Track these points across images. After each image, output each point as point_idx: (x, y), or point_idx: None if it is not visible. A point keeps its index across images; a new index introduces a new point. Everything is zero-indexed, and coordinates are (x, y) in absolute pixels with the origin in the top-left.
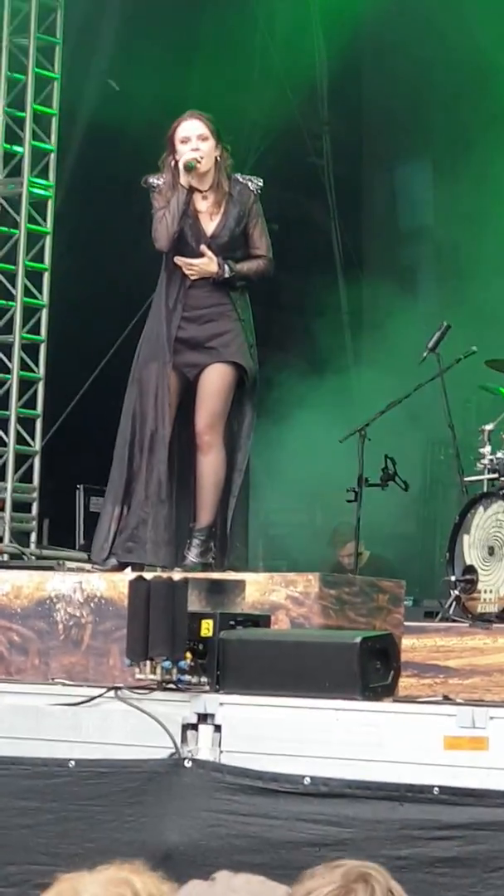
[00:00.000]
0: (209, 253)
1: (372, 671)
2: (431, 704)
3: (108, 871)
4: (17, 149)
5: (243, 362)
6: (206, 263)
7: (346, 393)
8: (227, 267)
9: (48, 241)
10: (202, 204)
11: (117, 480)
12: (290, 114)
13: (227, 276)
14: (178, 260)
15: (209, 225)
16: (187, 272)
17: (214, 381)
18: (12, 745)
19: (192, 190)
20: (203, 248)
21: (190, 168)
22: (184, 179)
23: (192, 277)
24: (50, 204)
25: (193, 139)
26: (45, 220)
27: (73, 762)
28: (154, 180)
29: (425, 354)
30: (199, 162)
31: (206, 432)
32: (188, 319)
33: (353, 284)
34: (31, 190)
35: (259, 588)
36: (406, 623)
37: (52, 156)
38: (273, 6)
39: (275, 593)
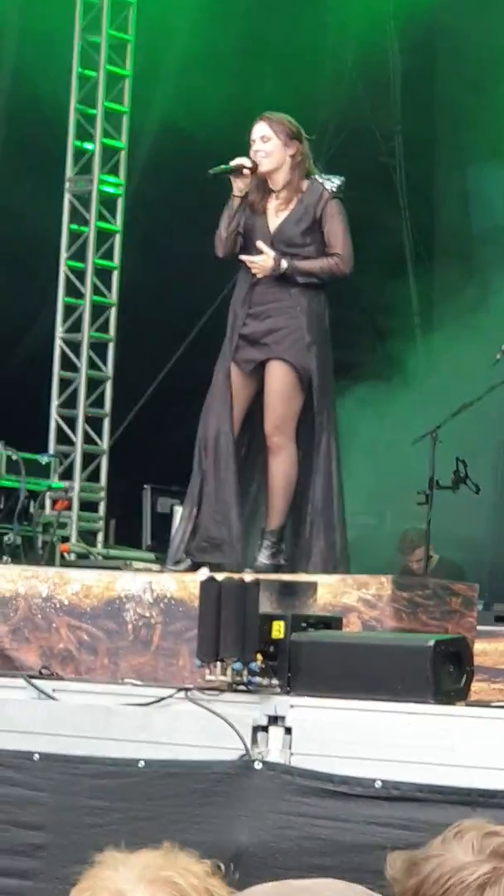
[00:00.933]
0: (266, 249)
1: (445, 675)
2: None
3: (148, 867)
4: (88, 146)
5: (292, 359)
6: (264, 260)
7: (417, 395)
8: (283, 262)
9: (118, 239)
10: (272, 202)
11: (191, 481)
12: (363, 113)
13: (282, 271)
14: (242, 258)
15: (274, 222)
16: (252, 269)
17: (274, 381)
18: (82, 744)
19: (264, 191)
20: (259, 244)
21: (223, 171)
22: (236, 188)
23: (257, 275)
24: (120, 202)
25: (257, 141)
26: (115, 217)
27: (142, 762)
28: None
29: (498, 356)
30: (222, 167)
31: (273, 434)
32: (252, 316)
33: (425, 285)
34: (102, 188)
35: (331, 590)
36: (479, 627)
37: (123, 153)
38: (346, 5)
39: (347, 595)
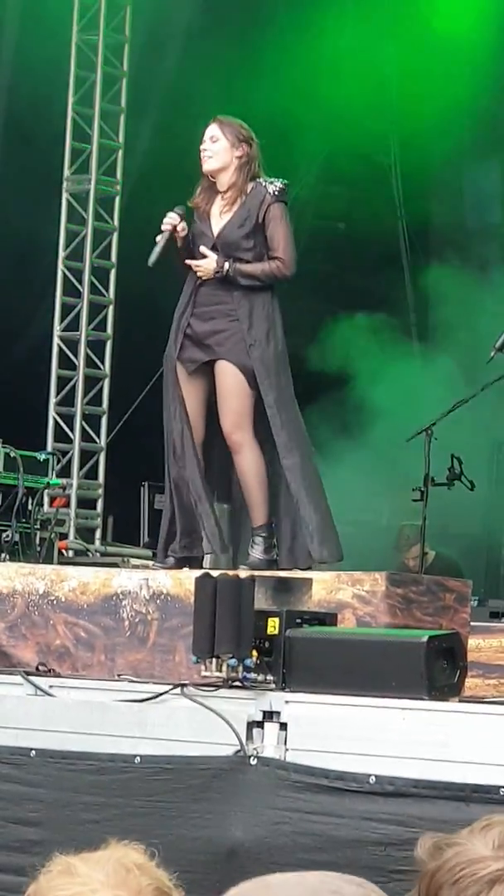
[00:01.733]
0: (208, 252)
1: (438, 670)
2: (497, 704)
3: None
4: (85, 146)
5: (234, 359)
6: (207, 262)
7: (412, 392)
8: (226, 265)
9: (115, 237)
10: (217, 204)
11: (165, 481)
12: (358, 113)
13: (224, 272)
14: (186, 262)
15: (218, 224)
16: (196, 272)
17: (222, 382)
18: (78, 740)
19: (211, 192)
20: (202, 248)
21: (162, 250)
22: (179, 237)
23: (202, 277)
24: (117, 201)
25: (206, 141)
26: (111, 217)
27: (138, 758)
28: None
29: (493, 354)
30: (157, 249)
31: (232, 432)
32: (196, 316)
33: (421, 284)
34: (99, 187)
35: (326, 586)
36: (472, 623)
37: (120, 153)
38: (344, 7)
39: (341, 592)
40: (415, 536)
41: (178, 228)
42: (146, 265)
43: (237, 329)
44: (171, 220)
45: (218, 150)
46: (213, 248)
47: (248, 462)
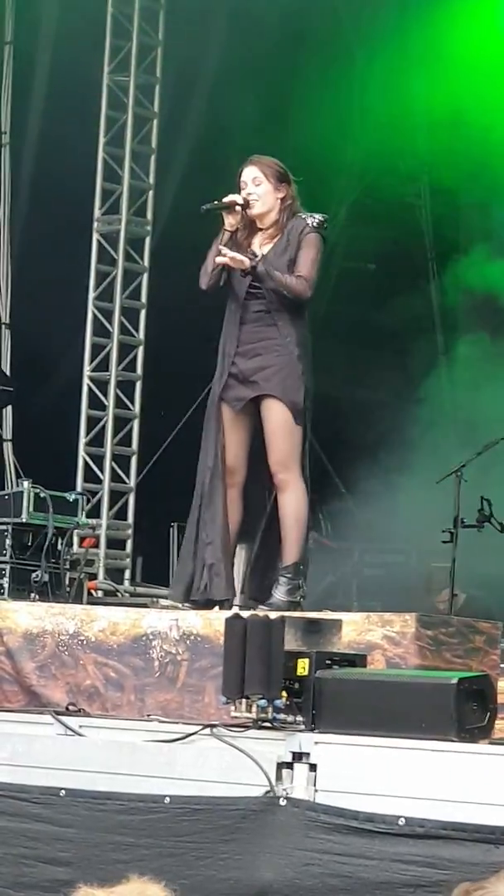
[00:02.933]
0: (244, 258)
1: (468, 712)
2: None
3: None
4: (116, 186)
5: (283, 395)
6: (241, 257)
7: (442, 434)
8: (260, 266)
9: (145, 278)
10: (258, 240)
11: (188, 520)
12: (390, 154)
13: (256, 263)
14: (222, 252)
15: (258, 254)
16: (226, 261)
17: (271, 418)
18: (108, 780)
19: (251, 230)
20: (238, 257)
21: (216, 208)
22: (227, 223)
23: (233, 268)
24: (147, 241)
25: (249, 184)
26: (142, 257)
27: (167, 798)
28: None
29: None
30: (216, 203)
31: (279, 471)
32: (240, 354)
33: (451, 325)
34: (129, 227)
35: (355, 628)
36: (502, 665)
37: (150, 193)
38: (373, 46)
39: (371, 633)
40: (444, 580)
41: (236, 207)
42: (176, 306)
43: (285, 363)
44: (236, 197)
45: (262, 192)
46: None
47: (294, 501)
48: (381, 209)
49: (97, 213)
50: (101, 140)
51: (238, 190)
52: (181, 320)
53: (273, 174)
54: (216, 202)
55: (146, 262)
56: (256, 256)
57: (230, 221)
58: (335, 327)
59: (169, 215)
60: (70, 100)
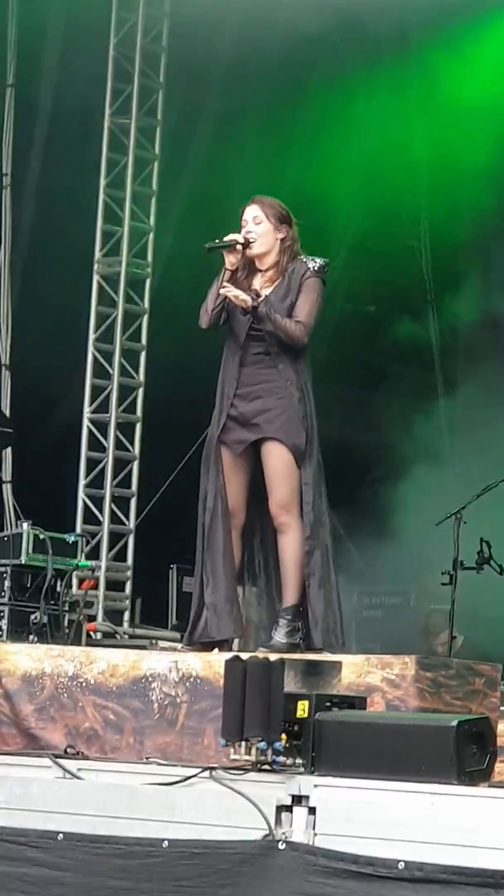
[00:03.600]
0: (246, 296)
1: (468, 755)
2: None
3: None
4: (116, 228)
5: (285, 438)
6: (244, 295)
7: (442, 476)
8: (262, 307)
9: (145, 320)
10: (258, 282)
11: (195, 565)
12: (389, 196)
13: (257, 305)
14: (224, 288)
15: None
16: (229, 296)
17: (272, 462)
18: (106, 823)
19: (250, 270)
20: (239, 290)
21: (221, 246)
22: (228, 262)
23: (236, 307)
24: (148, 283)
25: (249, 222)
26: (142, 299)
27: (166, 842)
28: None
29: None
30: (218, 242)
31: (279, 514)
32: (240, 397)
33: (450, 367)
34: (130, 269)
35: (355, 670)
36: (502, 708)
37: (151, 235)
38: (374, 85)
39: (371, 675)
40: (443, 622)
41: (237, 246)
42: (176, 348)
43: (286, 406)
44: (237, 236)
45: (262, 232)
46: (252, 321)
47: (294, 543)
48: (380, 251)
49: (97, 254)
50: (102, 182)
51: (239, 229)
52: (181, 362)
53: (274, 214)
54: (218, 241)
55: (146, 304)
56: (259, 296)
57: (231, 260)
58: (335, 369)
59: (169, 257)
60: (71, 142)
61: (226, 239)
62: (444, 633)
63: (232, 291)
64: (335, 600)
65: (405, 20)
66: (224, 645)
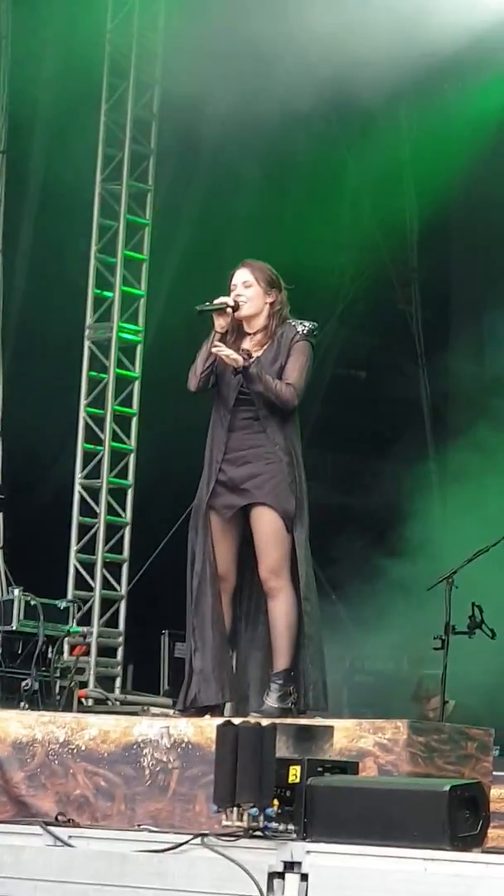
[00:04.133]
0: (236, 357)
1: (461, 820)
2: None
3: None
4: (108, 293)
5: (275, 503)
6: (235, 355)
7: (433, 540)
8: (251, 363)
9: (136, 385)
10: (247, 345)
11: (187, 626)
12: (380, 260)
13: (247, 366)
14: (216, 347)
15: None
16: (217, 352)
17: (262, 527)
18: (98, 892)
19: (239, 333)
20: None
21: (210, 310)
22: (217, 325)
23: (228, 365)
24: (139, 349)
25: (239, 286)
26: (133, 364)
27: None
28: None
29: None
30: (208, 305)
31: (269, 578)
32: (228, 462)
33: (441, 431)
34: (121, 335)
35: (347, 734)
36: (495, 773)
37: (142, 301)
38: (365, 151)
39: (363, 740)
40: (434, 687)
41: (227, 309)
42: (168, 413)
43: (276, 471)
44: (227, 299)
45: (251, 295)
46: (241, 385)
47: (284, 607)
48: (371, 315)
49: (89, 320)
50: (94, 247)
51: (229, 293)
52: (173, 427)
53: (264, 278)
54: (208, 304)
55: (138, 370)
56: (250, 357)
57: (220, 323)
58: (325, 434)
59: (160, 322)
60: (62, 208)
61: (215, 302)
62: (436, 699)
63: (223, 350)
64: (323, 662)
65: (398, 90)
66: (216, 710)
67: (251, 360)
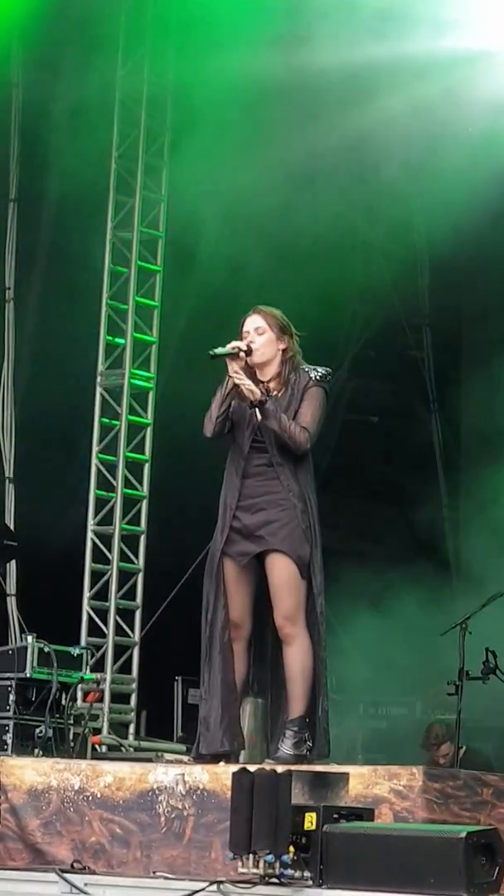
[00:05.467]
0: (254, 388)
1: (477, 867)
2: None
3: None
4: (119, 340)
5: (290, 550)
6: (254, 387)
7: (447, 584)
8: (269, 398)
9: (149, 431)
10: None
11: (201, 673)
12: (392, 306)
13: (264, 400)
14: (234, 377)
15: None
16: (237, 381)
17: (277, 574)
18: None
19: (252, 381)
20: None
21: (223, 354)
22: (231, 369)
23: (245, 396)
24: (151, 395)
25: (251, 333)
26: (145, 411)
27: None
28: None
29: None
30: (221, 350)
31: (284, 625)
32: (243, 509)
33: (453, 476)
34: (133, 381)
35: (363, 781)
36: None
37: (154, 347)
38: (375, 199)
39: (378, 786)
40: (443, 735)
41: (240, 354)
42: (179, 459)
43: (290, 518)
44: (240, 344)
45: (264, 341)
46: (257, 435)
47: (300, 654)
48: (383, 361)
49: (101, 366)
50: (105, 294)
51: (240, 338)
52: (184, 474)
53: (276, 325)
54: (221, 348)
55: (150, 416)
56: (269, 393)
57: (234, 368)
58: (338, 480)
59: (173, 368)
60: (73, 254)
61: (228, 347)
62: (446, 745)
63: (244, 380)
64: (325, 709)
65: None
66: (231, 757)
67: (269, 396)
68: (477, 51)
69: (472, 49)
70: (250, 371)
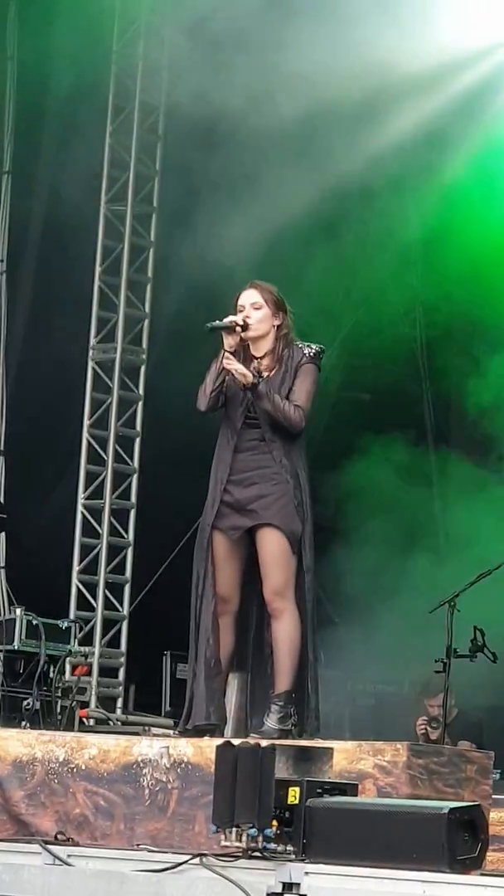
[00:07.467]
0: (243, 370)
1: (460, 843)
2: None
3: None
4: (111, 315)
5: (282, 524)
6: (245, 371)
7: (435, 563)
8: (261, 380)
9: (139, 406)
10: (253, 367)
11: (189, 647)
12: (385, 284)
13: (256, 383)
14: (227, 361)
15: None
16: (228, 366)
17: (267, 547)
18: None
19: (245, 356)
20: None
21: (220, 327)
22: (227, 344)
23: (237, 380)
24: (143, 370)
25: (247, 307)
26: (137, 385)
27: None
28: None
29: None
30: (219, 323)
31: (273, 599)
32: (234, 483)
33: (444, 454)
34: (124, 356)
35: (347, 756)
36: (494, 796)
37: (146, 322)
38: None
39: (363, 762)
40: (441, 686)
41: (237, 328)
42: (170, 433)
43: (283, 492)
44: (237, 318)
45: (260, 317)
46: (249, 411)
47: (288, 629)
48: (375, 339)
49: (93, 341)
50: (98, 269)
51: (235, 313)
52: (176, 448)
53: (272, 300)
54: (218, 321)
55: (141, 391)
56: (261, 374)
57: (229, 342)
58: (330, 456)
59: (164, 343)
60: (67, 229)
61: (225, 320)
62: (440, 696)
63: (234, 365)
64: (319, 688)
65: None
66: (216, 731)
67: (261, 377)
68: None
69: None
70: (244, 348)
